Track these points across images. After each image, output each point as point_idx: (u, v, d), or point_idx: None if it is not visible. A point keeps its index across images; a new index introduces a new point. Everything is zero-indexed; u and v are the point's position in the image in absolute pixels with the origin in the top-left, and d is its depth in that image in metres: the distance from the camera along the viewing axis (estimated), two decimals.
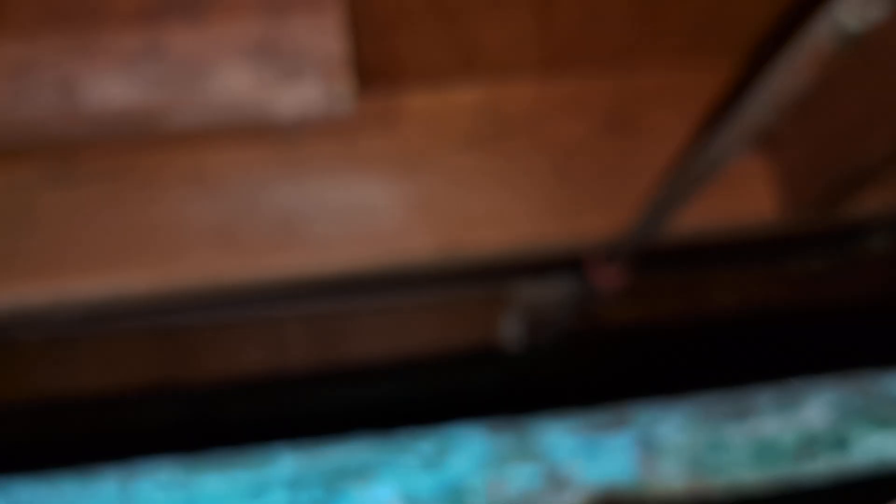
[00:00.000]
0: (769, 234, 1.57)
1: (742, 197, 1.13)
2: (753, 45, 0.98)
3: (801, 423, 0.66)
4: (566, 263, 1.42)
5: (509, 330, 1.72)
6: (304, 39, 0.78)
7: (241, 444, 0.64)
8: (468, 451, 0.58)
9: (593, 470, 0.58)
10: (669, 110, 1.02)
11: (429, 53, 0.93)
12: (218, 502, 0.55)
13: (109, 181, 1.03)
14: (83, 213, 0.96)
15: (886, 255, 1.41)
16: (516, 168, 1.09)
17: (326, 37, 0.77)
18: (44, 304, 0.95)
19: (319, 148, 1.06)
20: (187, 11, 0.74)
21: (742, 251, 1.63)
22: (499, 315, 1.76)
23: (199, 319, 1.32)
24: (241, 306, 1.35)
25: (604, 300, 1.25)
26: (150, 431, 1.60)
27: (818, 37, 0.50)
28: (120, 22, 0.74)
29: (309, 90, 0.76)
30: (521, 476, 0.58)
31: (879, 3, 0.46)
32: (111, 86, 0.75)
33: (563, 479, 0.58)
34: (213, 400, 1.86)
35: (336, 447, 0.58)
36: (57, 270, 0.95)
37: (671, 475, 0.58)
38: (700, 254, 1.60)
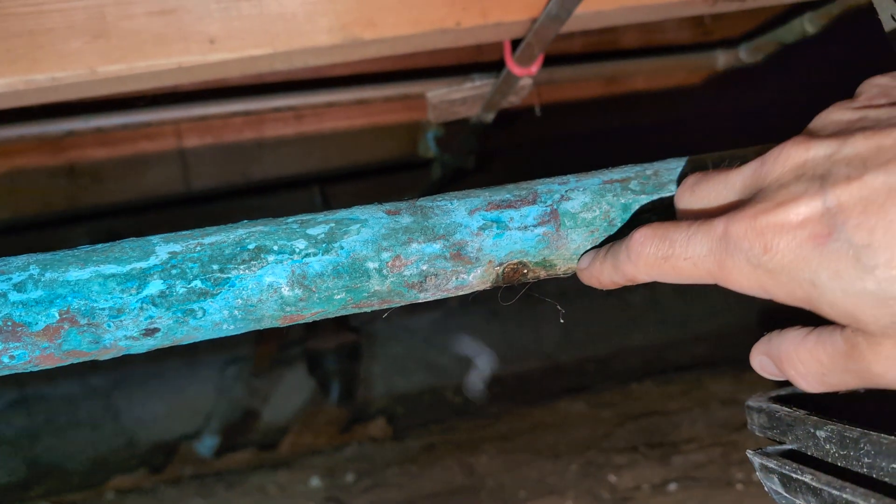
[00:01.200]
0: (693, 21, 1.52)
1: None
2: None
3: None
4: (480, 54, 1.35)
5: (427, 139, 1.66)
6: None
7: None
8: (364, 232, 0.53)
9: (501, 246, 0.54)
10: None
11: None
12: (83, 297, 0.49)
13: None
14: None
15: (812, 42, 1.38)
16: None
17: None
18: None
19: None
20: None
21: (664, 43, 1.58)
22: (416, 127, 1.69)
23: (81, 125, 1.21)
24: (130, 111, 1.24)
25: (521, 91, 1.19)
26: None
27: None
28: None
29: None
30: (425, 254, 0.53)
31: None
32: None
33: (470, 255, 0.54)
34: (118, 224, 1.79)
35: (216, 234, 0.53)
36: None
37: (582, 247, 0.55)
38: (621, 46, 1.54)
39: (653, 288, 3.61)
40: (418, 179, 1.93)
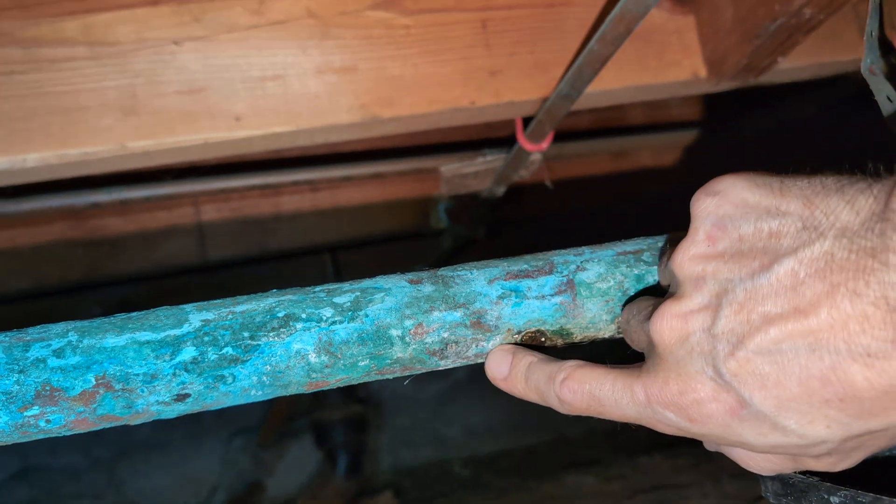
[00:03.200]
0: (698, 100, 1.57)
1: (667, 61, 1.11)
2: None
3: None
4: (492, 130, 1.39)
5: (439, 211, 1.70)
6: None
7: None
8: (388, 301, 0.55)
9: (519, 314, 0.56)
10: None
11: None
12: (119, 363, 0.51)
13: None
14: None
15: (811, 119, 1.42)
16: (437, 30, 1.04)
17: None
18: None
19: (224, 13, 0.99)
20: None
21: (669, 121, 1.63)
22: (428, 199, 1.73)
23: (105, 197, 1.25)
24: (152, 184, 1.28)
25: (531, 166, 1.22)
26: None
27: None
28: None
29: None
30: (446, 322, 0.55)
31: None
32: None
33: (490, 323, 0.56)
34: (131, 293, 1.81)
35: (247, 303, 0.55)
36: None
37: (598, 316, 0.57)
38: (626, 122, 1.59)
39: None
40: (428, 249, 1.96)
